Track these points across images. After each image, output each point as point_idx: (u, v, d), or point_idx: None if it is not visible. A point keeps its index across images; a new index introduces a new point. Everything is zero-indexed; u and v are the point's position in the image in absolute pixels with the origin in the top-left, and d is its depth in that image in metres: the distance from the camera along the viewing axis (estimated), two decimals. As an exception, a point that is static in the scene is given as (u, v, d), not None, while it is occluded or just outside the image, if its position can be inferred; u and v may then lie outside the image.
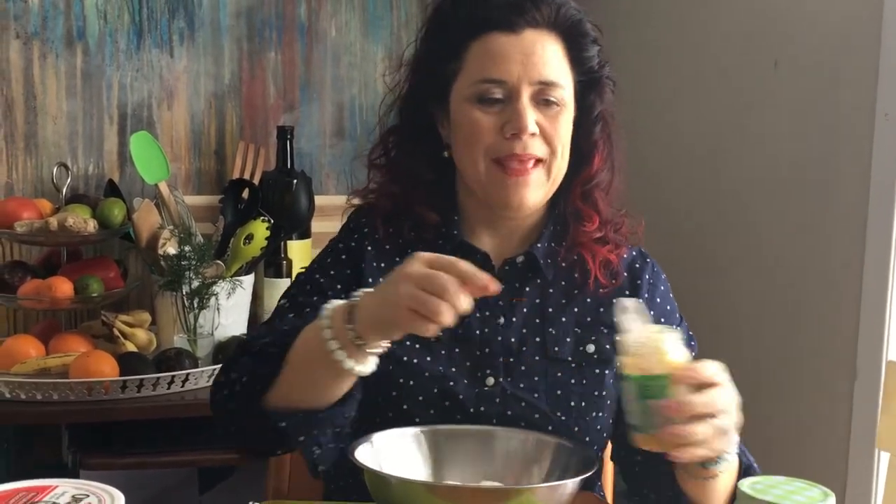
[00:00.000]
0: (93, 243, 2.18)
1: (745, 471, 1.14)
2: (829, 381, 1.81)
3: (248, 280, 2.14)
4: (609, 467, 1.42)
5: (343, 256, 1.30)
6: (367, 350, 1.04)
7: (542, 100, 1.21)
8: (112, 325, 2.05)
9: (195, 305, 2.02)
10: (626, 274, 1.29)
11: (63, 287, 2.00)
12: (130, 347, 2.03)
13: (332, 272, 1.29)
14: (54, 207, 2.14)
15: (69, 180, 2.21)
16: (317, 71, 2.47)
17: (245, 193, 2.18)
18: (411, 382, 1.21)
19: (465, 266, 0.99)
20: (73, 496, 0.80)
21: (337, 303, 1.07)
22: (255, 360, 1.15)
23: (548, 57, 1.21)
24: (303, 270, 1.34)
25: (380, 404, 1.22)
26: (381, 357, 1.18)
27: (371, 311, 1.03)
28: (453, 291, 0.97)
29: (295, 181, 2.24)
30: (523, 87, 1.20)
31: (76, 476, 1.63)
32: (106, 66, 2.30)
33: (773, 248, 1.96)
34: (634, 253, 1.32)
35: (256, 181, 2.30)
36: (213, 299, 2.02)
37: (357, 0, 2.47)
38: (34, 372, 1.90)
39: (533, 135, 1.20)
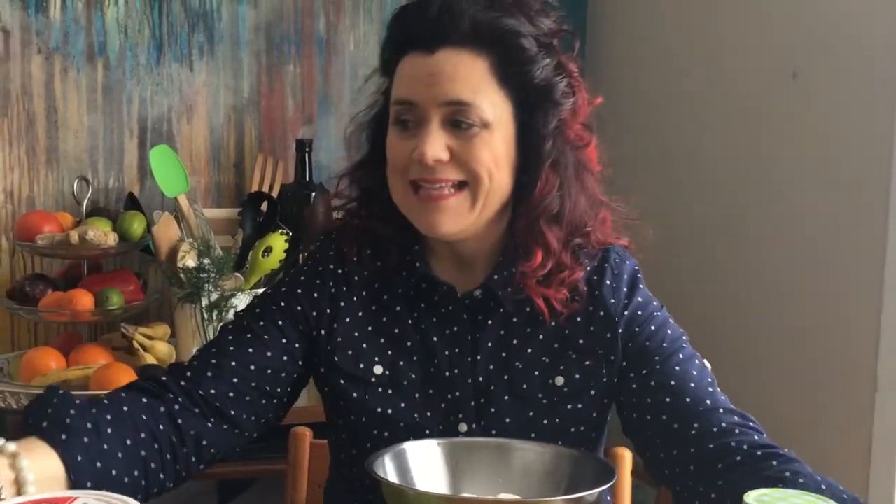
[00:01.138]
0: (113, 256, 2.19)
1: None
2: (850, 393, 1.80)
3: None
4: (625, 482, 1.41)
5: (309, 283, 1.25)
6: None
7: (454, 121, 1.13)
8: (132, 337, 2.06)
9: (214, 318, 2.02)
10: (585, 289, 1.21)
11: (83, 300, 2.02)
12: (150, 360, 2.04)
13: (298, 290, 1.24)
14: (75, 220, 2.16)
15: (90, 194, 2.23)
16: (335, 84, 2.48)
17: (264, 206, 2.19)
18: (386, 434, 1.18)
19: None
20: (93, 508, 0.80)
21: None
22: None
23: (461, 75, 1.13)
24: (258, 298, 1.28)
25: (353, 455, 1.21)
26: (354, 409, 1.19)
27: None
28: None
29: (313, 194, 2.24)
30: (431, 109, 1.13)
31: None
32: (126, 80, 2.32)
33: (792, 259, 1.95)
34: (596, 262, 1.23)
35: (275, 194, 2.31)
36: (232, 312, 2.03)
37: (375, 13, 2.49)
38: (55, 384, 1.91)
39: (440, 161, 1.13)
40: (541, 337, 1.21)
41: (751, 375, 2.02)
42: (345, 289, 1.24)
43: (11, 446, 0.97)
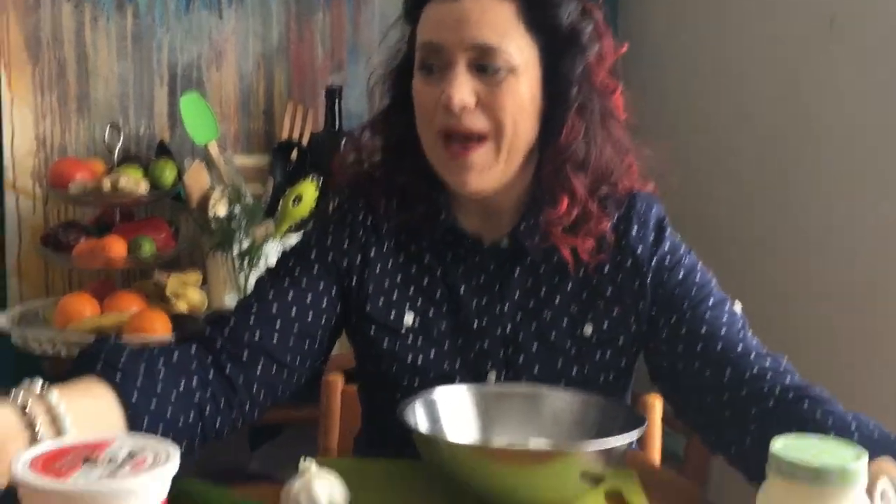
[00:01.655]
0: (145, 204, 2.21)
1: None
2: (885, 340, 1.79)
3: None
4: (655, 429, 1.42)
5: (345, 244, 1.24)
6: None
7: (481, 66, 1.12)
8: (164, 284, 2.08)
9: (246, 265, 2.04)
10: (612, 238, 1.21)
11: (117, 247, 2.04)
12: (182, 307, 2.06)
13: (329, 240, 1.24)
14: (107, 168, 2.17)
15: (121, 141, 2.24)
16: (364, 32, 2.46)
17: (294, 154, 2.19)
18: (416, 383, 1.19)
19: None
20: (129, 451, 0.81)
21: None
22: None
23: (488, 19, 1.12)
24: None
25: (385, 401, 1.20)
26: (385, 357, 1.20)
27: None
28: None
29: (343, 142, 2.23)
30: (457, 53, 1.12)
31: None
32: (156, 27, 2.32)
33: (827, 207, 1.93)
34: (622, 210, 1.22)
35: (305, 142, 2.30)
36: (263, 259, 2.04)
37: (405, -41, 2.46)
38: (89, 330, 1.94)
39: (466, 108, 1.12)
40: (568, 286, 1.21)
41: (779, 321, 2.01)
42: (373, 238, 1.24)
43: (50, 391, 0.98)
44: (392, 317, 1.21)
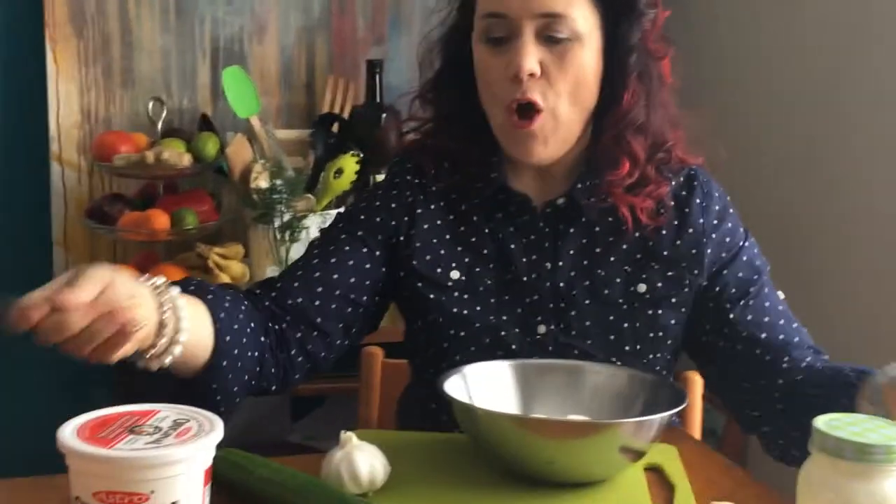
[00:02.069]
0: (188, 177, 2.22)
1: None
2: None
3: (338, 214, 2.16)
4: (695, 406, 1.41)
5: (383, 202, 1.26)
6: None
7: (547, 35, 1.14)
8: (207, 257, 2.09)
9: (287, 238, 2.05)
10: (672, 204, 1.22)
11: (160, 219, 2.06)
12: (225, 279, 2.08)
13: (372, 211, 1.26)
14: (150, 141, 2.19)
15: (164, 114, 2.25)
16: (406, 5, 2.45)
17: (335, 127, 2.19)
18: (462, 334, 1.20)
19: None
20: (174, 420, 0.82)
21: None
22: None
23: None
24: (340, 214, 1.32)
25: (432, 356, 1.23)
26: (432, 309, 1.21)
27: None
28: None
29: (384, 115, 2.24)
30: (525, 21, 1.13)
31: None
32: (199, 1, 2.32)
33: (870, 179, 1.90)
34: (682, 178, 1.24)
35: (346, 115, 2.31)
36: (304, 232, 2.05)
37: (447, -69, 2.44)
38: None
39: (533, 76, 1.14)
40: (624, 247, 1.22)
41: (825, 300, 1.99)
42: (422, 198, 1.26)
43: (170, 286, 1.01)
44: (439, 271, 1.22)
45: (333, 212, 2.12)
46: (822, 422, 0.84)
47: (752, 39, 2.25)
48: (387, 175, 1.31)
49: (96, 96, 2.29)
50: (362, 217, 1.26)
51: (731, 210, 1.26)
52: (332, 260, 1.22)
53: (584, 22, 1.15)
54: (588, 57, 1.16)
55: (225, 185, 2.27)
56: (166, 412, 0.84)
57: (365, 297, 1.23)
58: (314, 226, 2.06)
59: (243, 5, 2.36)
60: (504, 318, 1.21)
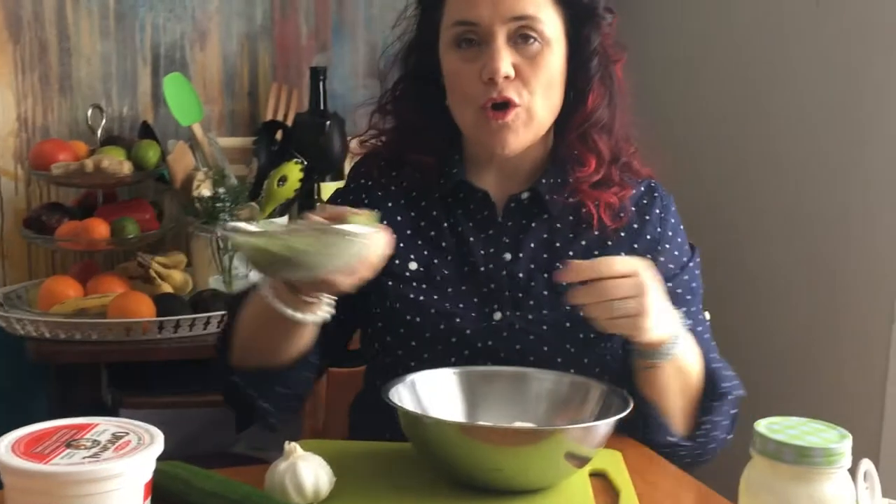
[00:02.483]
0: (128, 185, 2.19)
1: (711, 382, 1.19)
2: (867, 324, 1.80)
3: (282, 222, 2.15)
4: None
5: (351, 196, 1.31)
6: (310, 301, 1.08)
7: (521, 36, 1.18)
8: (148, 266, 2.07)
9: (230, 247, 2.03)
10: (633, 209, 1.27)
11: (100, 228, 2.02)
12: (166, 289, 2.05)
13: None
14: (89, 149, 2.15)
15: (104, 122, 2.22)
16: (349, 11, 2.45)
17: (278, 135, 2.18)
18: (418, 319, 1.22)
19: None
20: (113, 434, 0.81)
21: None
22: (226, 321, 1.23)
23: None
24: None
25: (388, 343, 1.25)
26: (389, 295, 1.24)
27: None
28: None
29: (328, 122, 2.23)
30: (496, 26, 1.17)
31: (115, 415, 1.65)
32: (139, 6, 2.29)
33: (811, 193, 1.93)
34: (643, 188, 1.30)
35: (289, 123, 2.29)
36: (247, 241, 2.03)
37: (390, -62, 2.44)
38: (73, 312, 1.93)
39: (507, 77, 1.18)
40: (583, 243, 1.26)
41: (768, 308, 2.02)
42: (380, 194, 1.29)
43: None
44: (396, 262, 1.24)
45: (277, 220, 2.10)
46: (763, 425, 0.85)
47: (679, 50, 2.28)
48: (347, 179, 1.35)
49: (33, 104, 2.25)
50: None
51: (681, 227, 1.31)
52: None
53: (552, 26, 1.20)
54: (556, 60, 1.21)
55: (166, 194, 2.24)
56: (105, 425, 0.82)
57: (342, 316, 1.21)
58: (258, 234, 2.04)
59: (184, 12, 2.33)
60: (460, 305, 1.23)
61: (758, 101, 2.07)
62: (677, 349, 1.14)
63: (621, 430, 1.07)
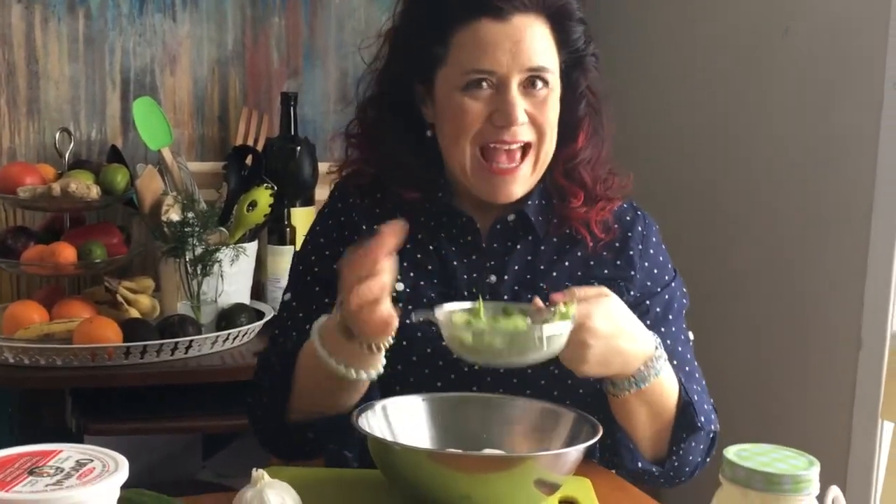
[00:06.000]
0: (96, 209, 2.17)
1: (686, 415, 1.19)
2: (834, 350, 1.81)
3: (252, 247, 2.14)
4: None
5: (334, 234, 1.31)
6: (371, 352, 1.09)
7: (531, 83, 1.20)
8: (115, 291, 2.05)
9: (199, 272, 2.01)
10: (617, 226, 1.29)
11: (66, 253, 2.00)
12: (134, 314, 2.03)
13: (327, 252, 1.30)
14: (57, 173, 2.13)
15: (72, 146, 2.20)
16: (321, 37, 2.45)
17: (248, 160, 2.17)
18: (404, 343, 1.21)
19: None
20: (77, 461, 0.79)
21: (324, 319, 1.13)
22: (272, 380, 1.23)
23: (536, 42, 1.20)
24: (298, 252, 1.37)
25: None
26: None
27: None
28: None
29: (298, 148, 2.22)
30: (513, 75, 1.19)
31: (80, 441, 1.63)
32: (108, 30, 2.29)
33: (778, 218, 1.95)
34: (625, 206, 1.32)
35: (260, 148, 2.29)
36: (216, 266, 2.02)
37: (361, -35, 2.45)
38: (38, 337, 1.90)
39: (521, 124, 1.20)
40: (566, 264, 1.28)
41: (735, 334, 2.03)
42: (366, 219, 1.29)
43: None
44: None
45: (247, 245, 2.09)
46: (732, 452, 0.85)
47: (661, 72, 2.30)
48: (333, 197, 1.35)
49: (0, 126, 2.23)
50: (316, 270, 1.30)
51: (663, 247, 1.33)
52: (308, 326, 1.20)
53: (555, 71, 1.23)
54: (556, 103, 1.23)
55: (135, 218, 2.22)
56: (69, 452, 0.81)
57: None
58: (227, 259, 2.03)
59: (154, 36, 2.32)
60: None
61: (724, 131, 2.09)
62: (646, 382, 1.14)
63: (591, 456, 1.06)
